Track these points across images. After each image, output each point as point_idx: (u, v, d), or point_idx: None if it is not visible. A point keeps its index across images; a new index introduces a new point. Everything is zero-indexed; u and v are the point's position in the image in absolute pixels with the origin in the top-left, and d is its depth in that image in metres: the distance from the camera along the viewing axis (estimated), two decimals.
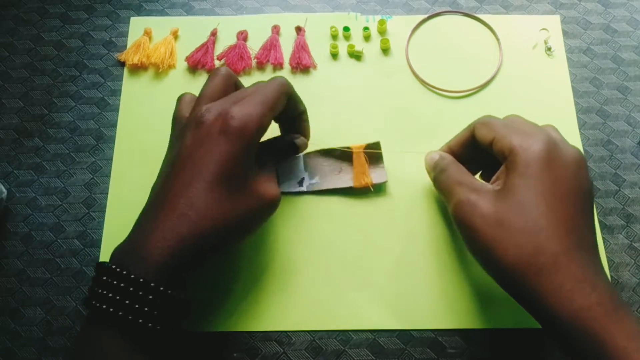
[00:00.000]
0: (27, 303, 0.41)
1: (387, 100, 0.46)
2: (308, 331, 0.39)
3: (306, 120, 0.41)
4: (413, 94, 0.47)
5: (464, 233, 0.34)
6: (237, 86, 0.39)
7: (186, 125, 0.35)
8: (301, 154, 0.43)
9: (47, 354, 0.39)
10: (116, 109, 0.46)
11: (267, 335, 0.39)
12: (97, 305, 0.30)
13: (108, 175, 0.44)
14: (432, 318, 0.39)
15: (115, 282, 0.30)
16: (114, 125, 0.46)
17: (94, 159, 0.45)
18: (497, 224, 0.31)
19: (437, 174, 0.37)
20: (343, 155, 0.43)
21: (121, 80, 0.47)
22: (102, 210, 0.43)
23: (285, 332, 0.39)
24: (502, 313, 0.39)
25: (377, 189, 0.43)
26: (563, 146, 0.33)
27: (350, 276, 0.41)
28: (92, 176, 0.44)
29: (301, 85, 0.47)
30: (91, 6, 0.50)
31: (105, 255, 0.42)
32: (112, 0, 0.51)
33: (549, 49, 0.47)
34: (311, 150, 0.43)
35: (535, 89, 0.47)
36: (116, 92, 0.47)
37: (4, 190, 0.43)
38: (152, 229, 0.32)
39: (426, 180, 0.41)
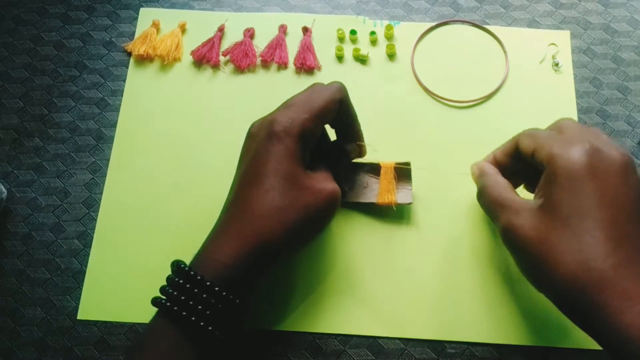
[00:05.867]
0: (27, 303, 0.41)
1: (388, 106, 0.46)
2: (308, 332, 0.39)
3: (357, 127, 0.40)
4: (415, 101, 0.46)
5: (513, 255, 0.34)
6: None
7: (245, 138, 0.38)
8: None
9: (47, 354, 0.39)
10: (116, 109, 0.46)
11: (268, 335, 0.39)
12: (162, 301, 0.32)
13: None
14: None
15: (181, 282, 0.32)
16: (114, 125, 0.46)
17: (94, 159, 0.45)
18: (541, 244, 0.31)
19: (478, 191, 0.37)
20: (371, 170, 0.42)
21: (122, 81, 0.47)
22: None
23: (286, 331, 0.39)
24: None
25: (400, 209, 0.42)
26: (607, 151, 0.31)
27: (351, 285, 0.41)
28: (92, 176, 0.44)
29: (304, 86, 0.47)
30: (91, 6, 0.50)
31: (95, 256, 0.42)
32: (112, 0, 0.51)
33: (557, 64, 0.46)
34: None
35: (540, 103, 0.46)
36: (116, 92, 0.47)
37: (4, 190, 0.43)
38: (218, 237, 0.34)
39: (434, 195, 0.42)
